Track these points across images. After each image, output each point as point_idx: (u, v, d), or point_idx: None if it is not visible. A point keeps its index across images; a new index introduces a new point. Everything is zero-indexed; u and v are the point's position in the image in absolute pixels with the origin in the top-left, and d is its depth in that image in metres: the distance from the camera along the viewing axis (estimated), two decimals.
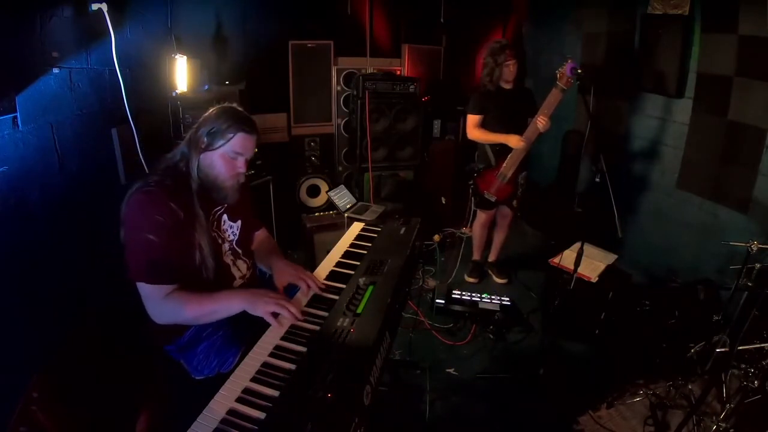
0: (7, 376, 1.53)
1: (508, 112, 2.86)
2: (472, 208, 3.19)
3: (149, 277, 1.30)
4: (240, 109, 1.47)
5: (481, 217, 3.17)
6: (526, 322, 2.81)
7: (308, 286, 1.46)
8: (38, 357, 1.66)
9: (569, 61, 2.49)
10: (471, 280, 3.34)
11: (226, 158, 1.41)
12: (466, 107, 2.98)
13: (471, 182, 3.07)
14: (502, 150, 2.87)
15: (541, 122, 2.69)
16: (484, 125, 2.90)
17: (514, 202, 3.12)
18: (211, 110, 1.45)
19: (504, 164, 2.87)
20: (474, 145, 3.04)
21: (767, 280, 1.93)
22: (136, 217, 1.30)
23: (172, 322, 1.37)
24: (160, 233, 1.29)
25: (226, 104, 1.47)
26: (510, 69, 2.79)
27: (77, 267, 1.96)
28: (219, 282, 1.45)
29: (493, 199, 2.98)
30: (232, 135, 1.39)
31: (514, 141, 2.78)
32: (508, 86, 2.88)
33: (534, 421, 2.16)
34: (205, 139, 1.40)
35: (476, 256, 3.39)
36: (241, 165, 1.43)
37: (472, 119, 2.91)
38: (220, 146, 1.39)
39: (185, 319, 1.35)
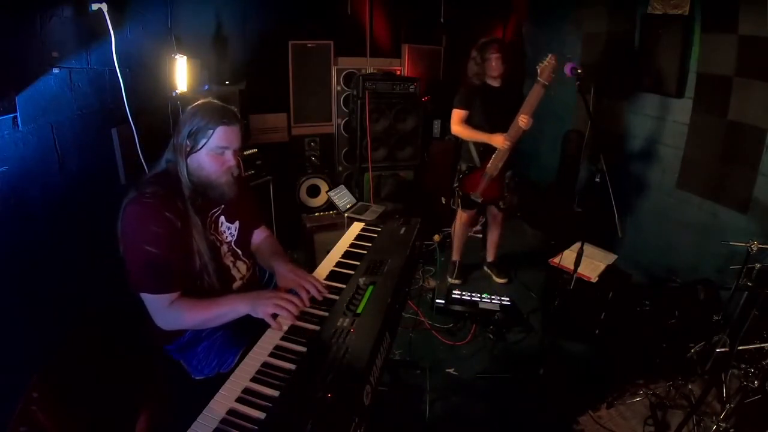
0: (7, 376, 1.53)
1: (494, 109, 2.82)
2: (455, 208, 3.17)
3: (152, 288, 1.30)
4: (216, 101, 1.44)
5: (463, 216, 3.13)
6: (526, 322, 2.81)
7: (307, 292, 1.42)
8: (38, 357, 1.65)
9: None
10: (454, 281, 3.28)
11: (212, 155, 1.38)
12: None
13: (456, 184, 3.04)
14: (487, 149, 2.84)
15: (523, 120, 2.65)
16: (469, 121, 2.87)
17: (501, 203, 3.08)
18: (187, 110, 1.41)
19: (489, 164, 2.84)
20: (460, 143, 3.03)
21: (767, 280, 1.94)
22: (133, 229, 1.30)
23: (179, 328, 1.38)
24: (158, 243, 1.28)
25: (200, 101, 1.43)
26: (493, 64, 2.75)
27: (77, 267, 1.95)
28: (220, 284, 1.45)
29: (479, 200, 2.95)
30: (212, 130, 1.36)
31: (498, 141, 2.73)
32: (495, 83, 2.85)
33: (534, 421, 2.16)
34: (188, 142, 1.37)
35: (456, 257, 3.32)
36: (229, 158, 1.41)
37: (457, 114, 2.87)
38: (203, 145, 1.37)
39: (192, 324, 1.36)
